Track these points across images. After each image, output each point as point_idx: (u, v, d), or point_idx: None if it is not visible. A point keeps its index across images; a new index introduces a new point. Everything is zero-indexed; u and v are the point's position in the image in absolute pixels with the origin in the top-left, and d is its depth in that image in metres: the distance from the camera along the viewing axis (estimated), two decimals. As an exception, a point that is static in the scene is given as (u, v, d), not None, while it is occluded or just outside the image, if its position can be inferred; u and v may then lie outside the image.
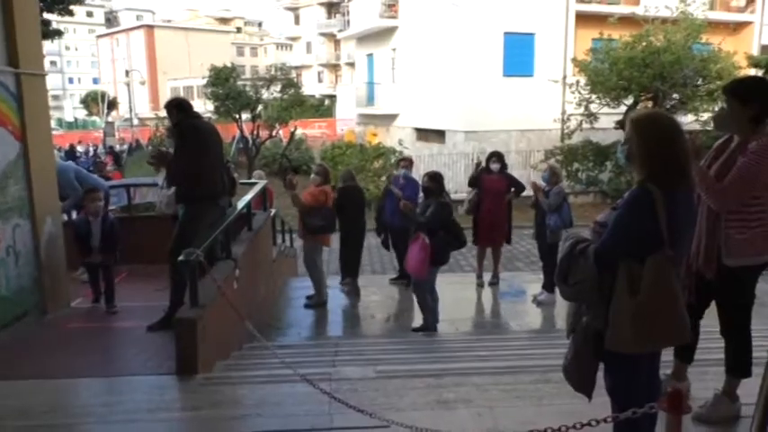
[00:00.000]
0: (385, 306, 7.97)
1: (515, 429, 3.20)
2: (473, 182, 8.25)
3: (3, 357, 4.59)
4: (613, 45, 17.09)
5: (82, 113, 61.67)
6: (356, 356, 5.10)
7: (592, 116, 17.48)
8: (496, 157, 8.02)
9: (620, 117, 16.40)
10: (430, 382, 4.09)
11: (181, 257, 4.24)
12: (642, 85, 16.36)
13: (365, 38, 27.44)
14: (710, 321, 3.39)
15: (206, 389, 3.97)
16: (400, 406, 3.65)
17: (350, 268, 8.47)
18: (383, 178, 18.46)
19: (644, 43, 16.72)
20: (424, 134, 22.55)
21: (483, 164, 8.25)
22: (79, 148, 25.99)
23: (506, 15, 19.35)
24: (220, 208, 5.41)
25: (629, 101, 16.95)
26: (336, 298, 8.15)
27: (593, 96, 17.24)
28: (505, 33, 19.70)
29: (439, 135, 21.42)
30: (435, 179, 6.32)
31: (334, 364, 4.71)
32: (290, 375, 4.05)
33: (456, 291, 8.52)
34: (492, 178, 8.00)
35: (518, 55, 19.80)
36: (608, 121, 17.06)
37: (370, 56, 27.43)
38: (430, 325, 6.36)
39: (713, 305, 3.34)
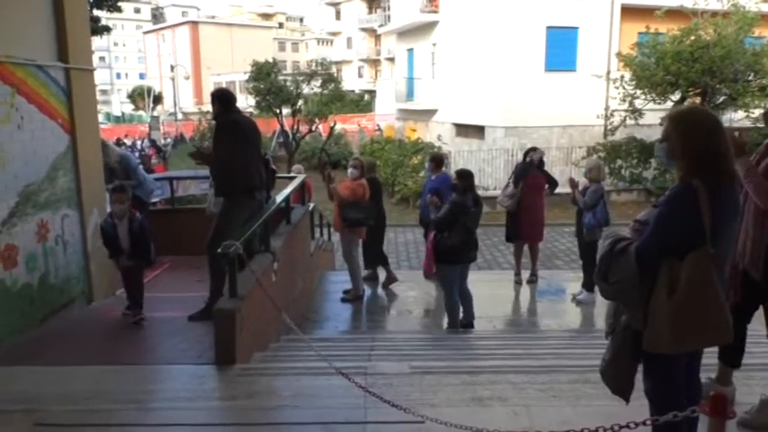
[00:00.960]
0: (422, 302, 7.95)
1: (552, 429, 3.17)
2: (518, 180, 8.04)
3: (50, 343, 4.76)
4: (660, 39, 16.62)
5: (129, 108, 63.24)
6: (392, 351, 5.10)
7: (636, 112, 17.05)
8: (535, 151, 7.91)
9: (666, 113, 16.00)
10: (465, 378, 4.06)
11: (220, 250, 4.31)
12: (690, 81, 15.88)
13: (405, 33, 27.36)
14: (758, 325, 3.28)
15: (243, 379, 4.03)
16: (435, 402, 3.63)
17: (370, 258, 8.51)
18: (421, 174, 18.45)
19: (692, 37, 16.21)
20: (464, 130, 22.38)
21: (534, 160, 8.00)
22: (126, 142, 26.63)
23: (549, 9, 19.03)
24: (258, 201, 5.48)
25: (676, 96, 16.48)
26: (373, 292, 8.18)
27: (638, 92, 16.81)
28: (548, 28, 19.39)
29: (478, 131, 21.23)
30: (462, 176, 6.24)
31: (370, 359, 4.72)
32: (326, 368, 4.08)
33: (494, 288, 8.45)
34: (532, 174, 7.89)
35: (560, 49, 19.47)
36: (653, 117, 16.58)
37: (410, 51, 27.34)
38: (455, 323, 6.31)
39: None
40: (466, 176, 6.23)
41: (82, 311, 5.63)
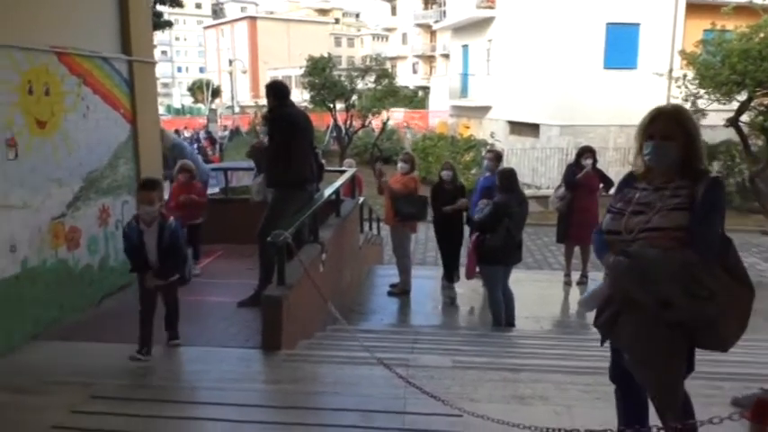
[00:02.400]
0: (468, 299, 7.92)
1: (592, 430, 3.13)
2: (570, 184, 7.88)
3: (108, 323, 5.00)
4: (727, 36, 15.95)
5: (188, 101, 65.03)
6: (435, 345, 5.13)
7: (699, 112, 16.42)
8: (589, 152, 7.73)
9: (731, 114, 15.35)
10: (507, 375, 4.05)
11: (269, 239, 4.43)
12: (758, 81, 15.14)
13: (461, 29, 27.16)
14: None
15: (288, 364, 4.14)
16: (474, 397, 3.64)
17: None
18: (473, 171, 18.30)
19: (761, 34, 15.48)
20: (518, 127, 22.09)
21: (585, 166, 7.78)
22: (185, 134, 27.41)
23: (610, 5, 18.54)
24: (308, 193, 5.59)
25: (742, 97, 15.79)
26: (420, 287, 8.19)
27: (702, 91, 16.18)
28: (608, 24, 18.90)
29: (533, 129, 20.91)
30: (504, 176, 6.17)
31: (413, 351, 4.75)
32: (369, 358, 4.13)
33: (543, 288, 8.35)
34: (589, 174, 7.70)
35: (621, 46, 18.94)
36: (717, 117, 15.98)
37: (465, 47, 27.14)
38: (499, 321, 6.25)
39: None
40: (508, 176, 6.16)
41: (137, 294, 5.85)
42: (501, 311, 6.29)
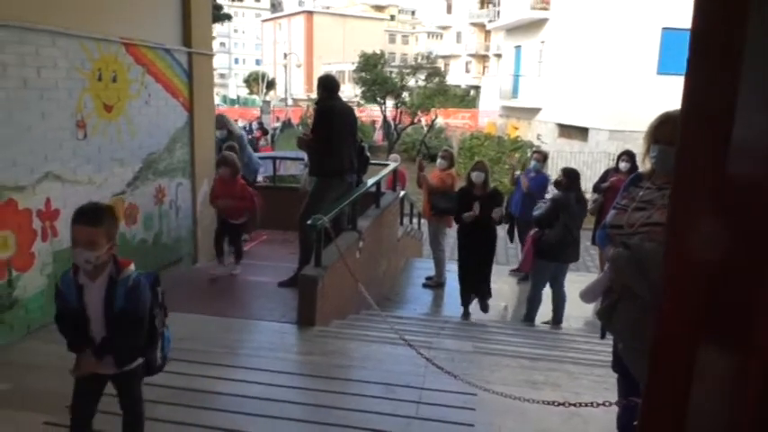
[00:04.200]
0: (502, 295, 8.09)
1: (598, 419, 3.33)
2: (596, 188, 7.95)
3: (159, 293, 5.42)
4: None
5: (244, 92, 66.55)
6: (460, 333, 5.37)
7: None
8: (627, 155, 7.75)
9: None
10: (524, 363, 4.26)
11: (309, 221, 4.76)
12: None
13: (514, 29, 27.07)
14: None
15: (320, 339, 4.46)
16: (490, 379, 3.87)
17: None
18: (518, 172, 18.33)
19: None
20: (567, 130, 21.93)
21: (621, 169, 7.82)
22: (240, 124, 28.24)
23: (667, 10, 18.22)
24: (348, 183, 5.89)
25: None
26: (456, 281, 8.38)
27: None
28: (664, 29, 18.57)
29: (582, 132, 20.74)
30: (567, 174, 6.28)
31: (438, 336, 5.01)
32: (395, 339, 4.43)
33: (577, 289, 8.42)
34: (620, 178, 7.73)
35: (676, 52, 18.53)
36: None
37: (517, 48, 27.04)
38: (531, 317, 6.40)
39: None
40: (571, 174, 6.27)
41: (188, 270, 6.30)
42: (536, 308, 6.40)
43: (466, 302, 6.69)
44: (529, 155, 18.32)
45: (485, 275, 6.56)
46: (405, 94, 24.97)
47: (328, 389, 3.71)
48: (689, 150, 0.87)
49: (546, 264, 6.19)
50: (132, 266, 2.57)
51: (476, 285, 6.55)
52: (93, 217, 2.41)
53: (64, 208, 4.56)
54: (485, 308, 6.63)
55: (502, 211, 6.46)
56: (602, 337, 2.90)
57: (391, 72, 25.48)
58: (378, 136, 27.86)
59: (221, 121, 7.33)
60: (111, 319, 2.49)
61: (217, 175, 6.07)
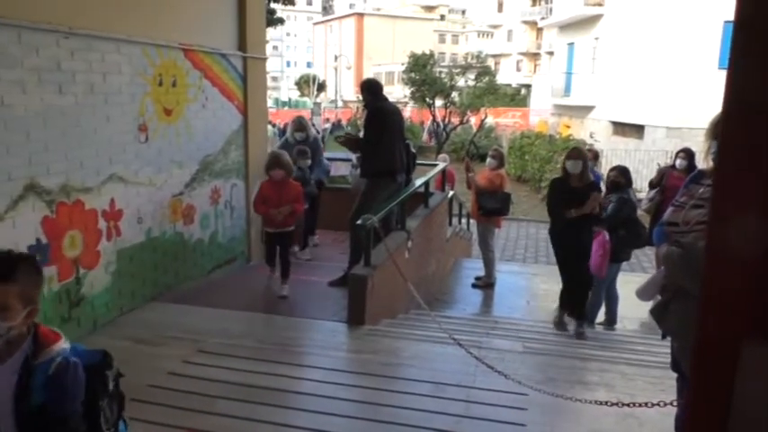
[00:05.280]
0: (553, 295, 7.97)
1: (655, 422, 3.27)
2: (652, 184, 7.74)
3: (215, 291, 5.61)
4: None
5: (295, 94, 67.53)
6: (510, 333, 5.34)
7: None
8: (685, 153, 7.51)
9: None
10: (575, 363, 4.22)
11: (358, 222, 4.83)
12: None
13: (567, 26, 26.59)
14: None
15: (369, 338, 4.52)
16: (541, 379, 3.85)
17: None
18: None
19: None
20: (621, 128, 21.40)
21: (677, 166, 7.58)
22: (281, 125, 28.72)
23: (729, 2, 17.54)
24: (398, 183, 5.94)
25: None
26: (505, 282, 8.35)
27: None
28: (726, 22, 17.90)
29: (637, 130, 20.20)
30: (624, 173, 6.15)
31: (487, 336, 5.00)
32: (444, 338, 4.45)
33: (632, 290, 8.22)
34: (676, 176, 7.49)
35: (738, 46, 17.89)
36: None
37: (570, 45, 26.55)
38: (592, 319, 6.28)
39: None
40: (627, 172, 6.14)
41: (241, 268, 6.48)
42: (597, 310, 6.23)
43: (565, 311, 5.77)
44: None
45: (579, 284, 5.61)
46: (454, 94, 24.88)
47: (377, 386, 3.76)
48: (731, 147, 0.87)
49: (612, 266, 5.82)
50: (62, 342, 1.77)
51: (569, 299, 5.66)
52: (2, 269, 1.66)
53: (127, 208, 4.78)
54: (580, 335, 5.46)
55: (599, 197, 5.59)
56: (663, 337, 2.86)
57: (441, 72, 25.43)
58: (426, 136, 27.85)
59: (301, 123, 7.37)
60: (22, 420, 1.71)
61: (267, 176, 5.56)
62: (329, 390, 3.67)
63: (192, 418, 3.28)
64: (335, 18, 78.96)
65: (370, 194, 5.70)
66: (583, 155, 5.59)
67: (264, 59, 7.05)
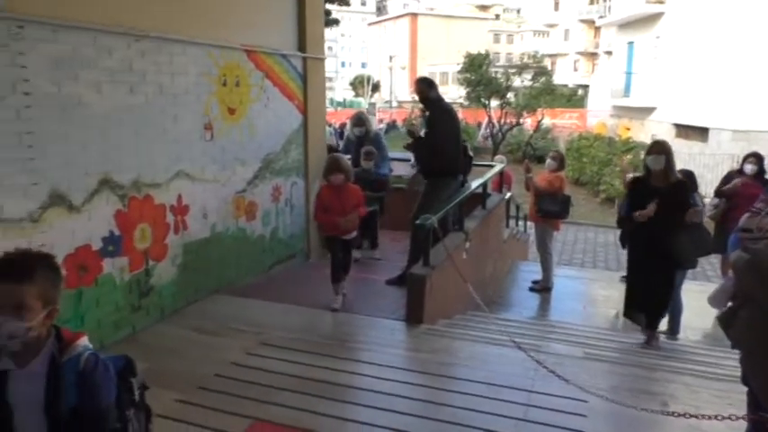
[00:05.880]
0: (612, 302, 7.81)
1: (719, 430, 3.16)
2: (718, 192, 7.36)
3: (275, 285, 5.73)
4: None
5: (350, 94, 68.12)
6: (569, 338, 5.24)
7: None
8: (755, 157, 7.15)
9: None
10: (638, 372, 4.12)
11: (417, 222, 4.84)
12: None
13: (627, 25, 25.88)
14: None
15: (427, 337, 4.53)
16: (602, 386, 3.77)
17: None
18: (630, 175, 17.51)
19: None
20: (684, 131, 20.68)
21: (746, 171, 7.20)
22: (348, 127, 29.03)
23: (803, -2, 16.77)
24: (458, 183, 5.93)
25: None
26: (563, 286, 8.21)
27: None
28: (799, 19, 17.09)
29: (701, 132, 19.49)
30: (689, 177, 5.91)
31: (545, 339, 4.93)
32: (502, 340, 4.43)
33: (696, 299, 7.96)
34: (745, 182, 7.13)
35: (812, 45, 17.05)
36: None
37: (630, 44, 25.83)
38: (675, 329, 6.08)
39: None
40: (692, 176, 5.94)
41: (300, 265, 6.59)
42: (680, 315, 6.00)
43: (635, 320, 5.35)
44: (642, 157, 17.51)
45: (660, 296, 5.07)
46: (510, 95, 24.60)
47: (435, 385, 3.77)
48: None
49: (677, 273, 5.50)
50: (85, 339, 1.73)
51: (646, 305, 5.13)
52: (19, 269, 1.62)
53: (193, 204, 4.94)
54: (649, 338, 5.17)
55: (700, 209, 5.19)
56: (733, 347, 2.77)
57: (496, 72, 25.18)
58: (482, 137, 27.62)
59: (359, 119, 7.37)
60: (56, 426, 1.62)
61: (326, 181, 5.13)
62: (387, 386, 3.70)
63: (254, 408, 3.37)
64: (389, 18, 79.21)
65: (432, 195, 5.71)
66: (666, 149, 4.91)
67: (323, 59, 7.14)
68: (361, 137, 7.16)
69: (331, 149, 7.43)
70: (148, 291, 4.53)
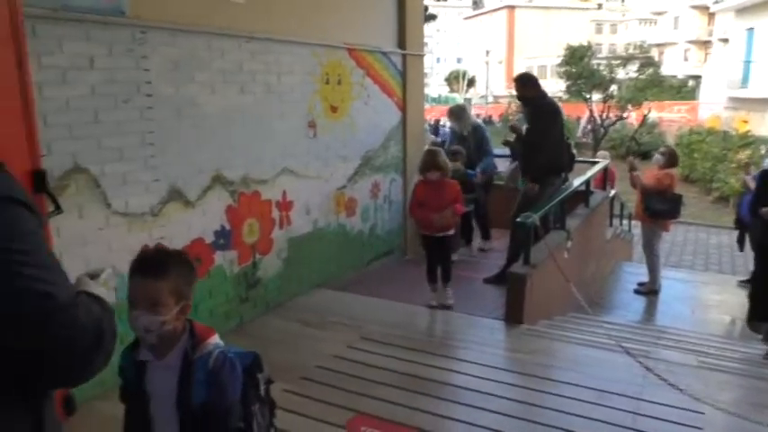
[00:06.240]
0: (726, 307, 7.33)
1: None
2: None
3: (374, 281, 5.81)
4: None
5: (445, 90, 67.77)
6: (680, 344, 4.96)
7: None
8: None
9: None
10: (759, 385, 3.83)
11: (518, 220, 4.74)
12: None
13: (746, 9, 24.03)
14: None
15: (527, 337, 4.43)
16: (718, 398, 3.54)
17: None
18: (751, 174, 16.26)
19: None
20: (812, 123, 19.00)
21: None
22: (442, 122, 28.86)
23: None
24: (560, 181, 5.76)
25: None
26: (671, 289, 7.79)
27: None
28: None
29: (832, 125, 17.82)
30: None
31: (655, 346, 4.69)
32: (607, 344, 4.25)
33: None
34: None
35: None
36: None
37: (749, 30, 23.98)
38: None
39: None
40: None
41: (398, 261, 6.64)
42: None
43: (756, 330, 5.14)
44: (763, 152, 16.21)
45: None
46: (613, 88, 23.56)
47: (536, 387, 3.68)
48: None
49: None
50: (216, 337, 1.83)
51: None
52: (154, 266, 1.73)
53: (297, 200, 5.10)
54: None
55: None
56: None
57: (598, 64, 24.17)
58: (582, 132, 26.63)
59: (452, 112, 7.23)
60: (186, 417, 1.74)
61: (422, 178, 5.04)
62: (487, 386, 3.66)
63: (355, 401, 3.43)
64: (486, 12, 78.00)
65: (533, 192, 5.57)
66: None
67: (422, 56, 7.15)
68: (459, 131, 7.04)
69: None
70: (255, 283, 4.73)
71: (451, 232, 5.02)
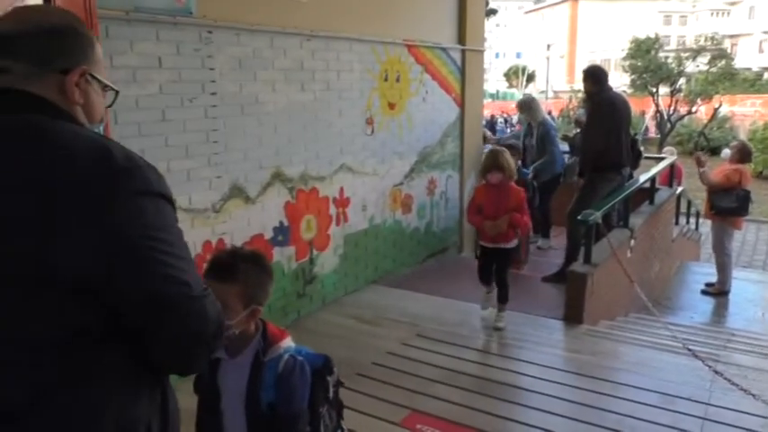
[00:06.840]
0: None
1: None
2: None
3: (429, 278, 5.79)
4: None
5: (503, 86, 66.77)
6: (753, 348, 4.73)
7: None
8: None
9: None
10: (842, 393, 3.59)
11: (579, 218, 4.62)
12: None
13: (830, -3, 22.60)
14: None
15: (588, 338, 4.32)
16: (796, 406, 3.36)
17: None
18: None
19: None
20: None
21: None
22: (499, 119, 28.46)
23: None
24: (622, 177, 5.58)
25: None
26: (742, 290, 7.44)
27: None
28: None
29: None
30: None
31: (725, 349, 4.49)
32: (673, 347, 4.11)
33: None
34: None
35: None
36: None
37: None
38: None
39: None
40: None
41: (453, 259, 6.60)
42: None
43: None
44: None
45: None
46: (681, 81, 22.64)
47: (599, 390, 3.58)
48: None
49: None
50: (288, 340, 1.82)
51: None
52: (222, 269, 1.72)
53: (353, 196, 5.13)
54: None
55: None
56: None
57: (666, 57, 23.26)
58: (648, 127, 25.73)
59: (529, 102, 7.04)
60: (253, 418, 1.75)
61: (483, 180, 4.45)
62: (547, 387, 3.59)
63: (410, 398, 3.43)
64: (548, 5, 76.31)
65: (592, 189, 5.43)
66: None
67: (482, 51, 7.07)
68: (528, 124, 6.95)
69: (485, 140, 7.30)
70: (312, 279, 4.79)
71: (510, 245, 4.36)
